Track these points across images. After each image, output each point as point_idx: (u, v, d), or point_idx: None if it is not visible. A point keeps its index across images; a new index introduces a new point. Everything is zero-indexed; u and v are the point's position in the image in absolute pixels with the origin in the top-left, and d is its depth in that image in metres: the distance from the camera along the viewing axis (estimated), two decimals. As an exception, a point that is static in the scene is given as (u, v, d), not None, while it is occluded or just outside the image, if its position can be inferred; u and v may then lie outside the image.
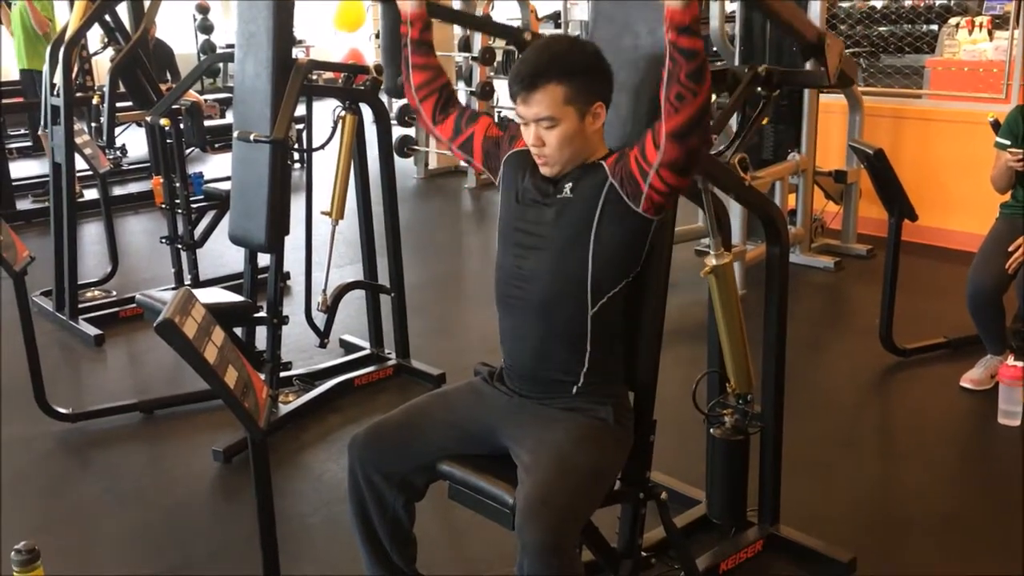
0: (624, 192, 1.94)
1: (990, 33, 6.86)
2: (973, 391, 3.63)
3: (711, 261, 2.36)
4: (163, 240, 4.59)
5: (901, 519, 2.82)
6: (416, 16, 2.20)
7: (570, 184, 2.00)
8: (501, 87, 8.33)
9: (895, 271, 3.81)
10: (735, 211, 4.57)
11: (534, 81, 1.92)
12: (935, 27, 7.62)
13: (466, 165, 7.46)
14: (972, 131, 4.92)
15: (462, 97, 9.00)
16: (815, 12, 4.87)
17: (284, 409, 3.48)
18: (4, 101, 6.85)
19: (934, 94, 6.02)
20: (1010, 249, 3.45)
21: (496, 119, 7.51)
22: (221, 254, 5.26)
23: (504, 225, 2.12)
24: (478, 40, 7.27)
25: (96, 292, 4.96)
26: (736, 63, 5.21)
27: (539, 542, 1.76)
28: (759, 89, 2.43)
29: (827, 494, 2.96)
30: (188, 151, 4.60)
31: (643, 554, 2.17)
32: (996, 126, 3.73)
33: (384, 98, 3.84)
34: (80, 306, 4.60)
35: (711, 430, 2.59)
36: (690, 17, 1.72)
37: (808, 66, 3.08)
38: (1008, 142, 3.58)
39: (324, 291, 3.65)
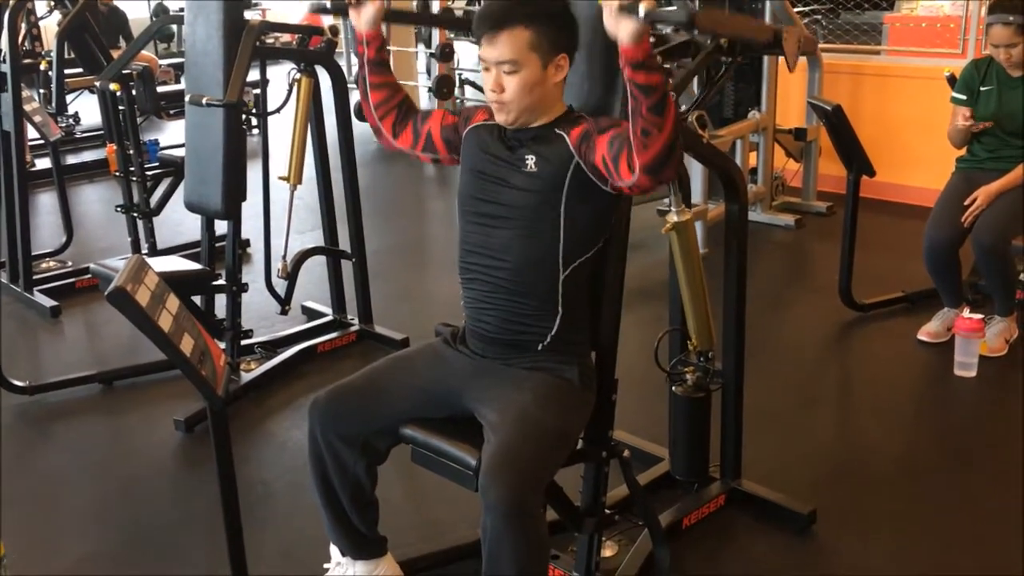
0: (590, 174, 1.94)
1: (947, -11, 6.88)
2: (930, 344, 3.68)
3: (672, 218, 2.37)
4: (119, 209, 4.50)
5: (860, 471, 2.87)
6: (372, 36, 2.14)
7: (532, 158, 1.98)
8: (461, 48, 8.23)
9: (854, 227, 3.85)
10: (696, 170, 4.58)
11: (500, 23, 1.91)
12: (893, -17, 7.63)
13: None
14: (929, 87, 4.95)
15: (422, 60, 8.92)
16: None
17: (246, 377, 3.45)
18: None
19: (892, 50, 6.04)
20: (965, 203, 3.49)
21: (458, 81, 7.45)
22: (179, 222, 5.18)
23: (465, 199, 2.10)
24: (436, 2, 7.17)
25: (51, 263, 4.87)
26: (697, 4, 5.18)
27: (503, 501, 1.76)
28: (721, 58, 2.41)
29: (788, 448, 3.00)
30: (141, 119, 4.50)
31: (607, 512, 2.19)
32: (952, 81, 3.76)
33: (341, 61, 3.78)
34: (35, 277, 4.52)
35: (673, 388, 2.61)
36: (643, 54, 1.69)
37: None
38: (964, 97, 3.61)
39: (284, 257, 3.61)
